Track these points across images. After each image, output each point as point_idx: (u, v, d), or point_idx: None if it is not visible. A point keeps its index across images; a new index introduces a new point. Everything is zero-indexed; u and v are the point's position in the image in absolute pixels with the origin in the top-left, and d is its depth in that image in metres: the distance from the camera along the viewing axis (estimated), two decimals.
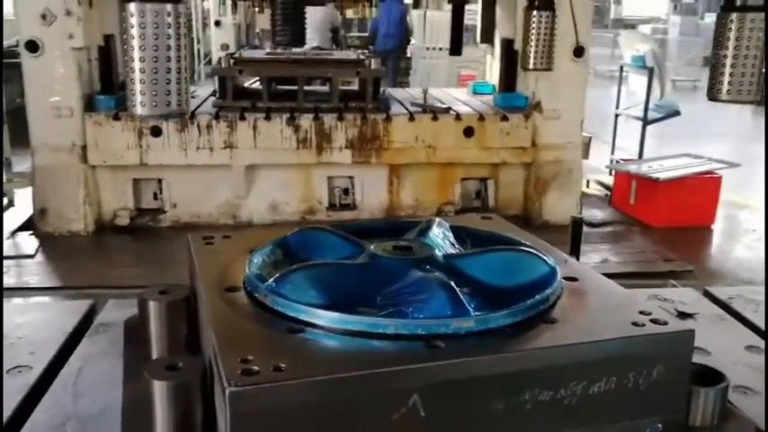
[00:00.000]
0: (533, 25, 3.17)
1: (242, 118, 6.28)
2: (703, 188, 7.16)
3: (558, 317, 1.16)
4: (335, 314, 1.08)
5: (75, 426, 1.30)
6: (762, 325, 2.08)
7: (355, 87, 7.37)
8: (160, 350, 1.26)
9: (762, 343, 1.96)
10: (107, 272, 5.58)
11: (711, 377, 1.21)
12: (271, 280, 1.20)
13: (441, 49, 12.98)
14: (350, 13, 12.81)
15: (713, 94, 1.62)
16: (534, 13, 3.34)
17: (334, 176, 6.67)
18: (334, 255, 1.30)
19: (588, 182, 8.13)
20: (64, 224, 6.24)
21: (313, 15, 12.05)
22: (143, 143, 6.17)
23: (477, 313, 1.10)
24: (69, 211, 6.23)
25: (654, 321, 1.14)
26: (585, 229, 7.04)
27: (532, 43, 3.15)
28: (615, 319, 1.15)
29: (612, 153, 8.47)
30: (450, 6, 13.57)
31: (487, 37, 7.98)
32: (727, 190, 7.36)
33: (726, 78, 1.55)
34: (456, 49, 3.69)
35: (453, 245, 1.41)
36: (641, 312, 1.17)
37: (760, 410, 1.69)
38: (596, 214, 7.34)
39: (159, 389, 1.03)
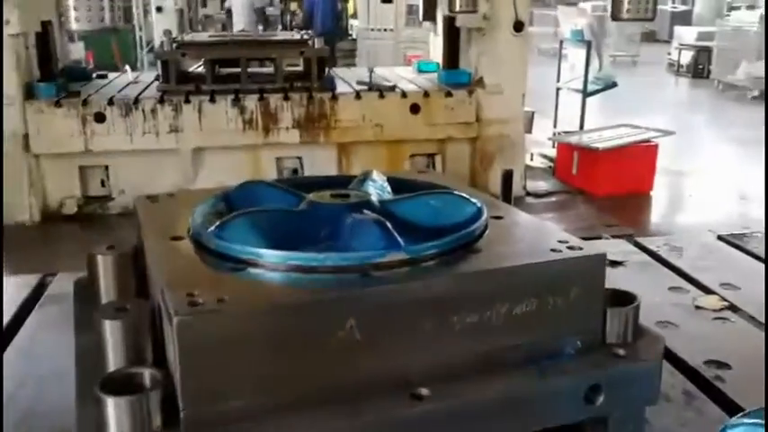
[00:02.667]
0: None
1: (186, 101, 6.25)
2: (641, 156, 7.40)
3: (483, 247, 1.24)
4: (274, 252, 1.15)
5: (32, 387, 1.35)
6: (685, 268, 2.23)
7: (300, 68, 7.37)
8: (110, 300, 1.31)
9: (685, 284, 2.10)
10: (55, 262, 5.49)
11: (624, 298, 1.32)
12: (213, 227, 1.26)
13: (385, 30, 13.06)
14: None
15: (615, 15, 1.73)
16: None
17: (283, 157, 6.70)
18: (274, 205, 1.36)
19: (532, 155, 8.31)
20: (8, 215, 6.13)
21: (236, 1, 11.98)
22: (87, 130, 6.10)
23: (407, 245, 1.17)
24: (13, 201, 6.13)
25: (570, 248, 1.23)
26: (530, 200, 7.26)
27: None
28: (535, 247, 1.24)
29: (555, 126, 8.67)
30: None
31: (430, 15, 8.06)
32: (663, 157, 7.62)
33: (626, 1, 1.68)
34: None
35: (389, 193, 1.49)
36: (559, 241, 1.26)
37: (679, 341, 1.83)
38: (540, 185, 7.53)
39: (110, 328, 1.08)
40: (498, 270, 1.14)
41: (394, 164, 6.90)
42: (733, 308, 2.06)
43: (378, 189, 1.49)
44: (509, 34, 6.79)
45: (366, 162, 6.82)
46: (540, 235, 1.29)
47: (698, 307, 2.07)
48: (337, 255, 1.15)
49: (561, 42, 9.05)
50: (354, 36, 13.89)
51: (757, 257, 2.47)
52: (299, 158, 6.72)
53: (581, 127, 8.23)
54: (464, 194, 1.43)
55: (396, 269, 1.14)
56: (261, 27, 10.28)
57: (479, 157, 7.04)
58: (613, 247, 2.58)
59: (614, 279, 2.30)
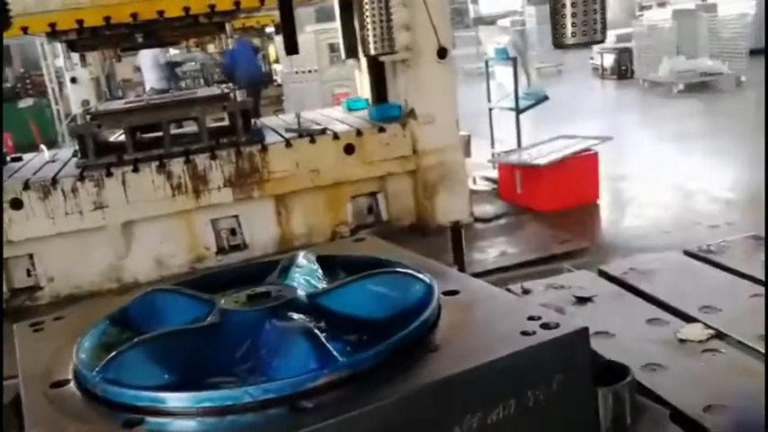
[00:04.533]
0: (366, 6, 2.73)
1: (108, 174, 5.92)
2: (583, 166, 7.34)
3: (440, 341, 1.02)
4: (179, 394, 0.90)
5: None
6: (659, 294, 2.05)
7: (225, 123, 7.14)
8: None
9: (664, 314, 1.92)
10: None
11: (615, 372, 1.10)
12: (101, 364, 1.01)
13: (310, 71, 12.92)
14: (211, 48, 12.56)
15: (558, 41, 1.55)
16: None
17: (218, 218, 6.40)
18: (180, 319, 1.12)
19: (474, 179, 8.20)
20: None
21: (143, 57, 11.66)
22: (4, 218, 5.71)
23: (345, 359, 0.94)
24: None
25: (544, 326, 1.01)
26: (479, 225, 7.11)
27: (369, 25, 2.74)
28: (503, 332, 1.02)
29: (492, 147, 8.59)
30: (312, 28, 13.55)
31: (352, 52, 7.93)
32: (604, 163, 7.59)
33: (569, 22, 1.50)
34: (291, 46, 3.24)
35: (321, 279, 1.25)
36: (530, 318, 1.04)
37: (672, 386, 1.64)
38: (487, 209, 7.39)
39: None
40: (462, 374, 0.92)
41: (334, 208, 6.68)
42: (719, 335, 1.89)
43: (306, 276, 1.25)
44: (434, 62, 6.68)
45: (306, 210, 6.59)
46: (505, 313, 1.07)
47: (682, 340, 1.89)
48: (258, 387, 0.90)
49: (486, 62, 9.03)
50: (279, 81, 13.71)
51: (730, 271, 2.32)
52: (236, 217, 6.44)
53: (519, 145, 8.16)
54: (408, 270, 1.20)
55: (333, 393, 0.90)
56: (172, 83, 10.01)
57: (422, 189, 6.88)
58: (578, 281, 2.40)
59: (585, 317, 2.12)
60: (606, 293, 2.16)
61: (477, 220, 7.12)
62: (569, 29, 1.45)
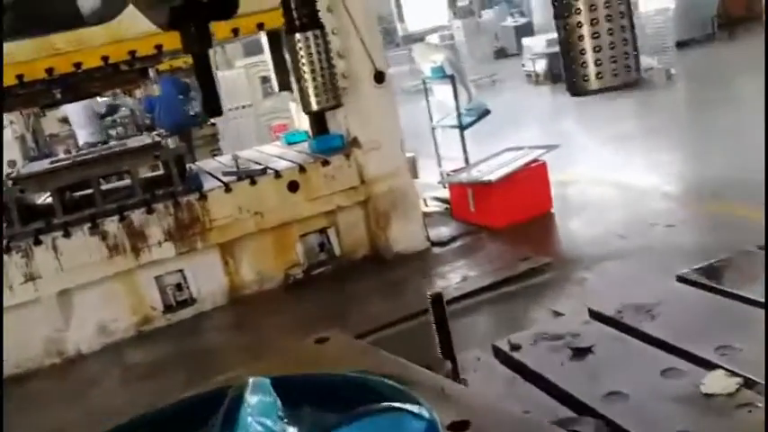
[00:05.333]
0: (302, 53, 2.34)
1: (37, 242, 5.48)
2: (534, 177, 7.19)
3: None
4: None
5: None
6: (665, 336, 1.82)
7: (160, 172, 6.75)
8: None
9: (677, 361, 1.69)
10: None
11: None
12: None
13: (243, 106, 12.60)
14: (138, 93, 12.09)
15: (577, 87, 1.30)
16: (298, 36, 2.46)
17: (162, 275, 6.00)
18: None
19: (425, 201, 7.98)
20: None
21: (72, 110, 11.12)
22: None
23: None
24: None
25: None
26: (437, 250, 6.86)
27: (307, 76, 2.35)
28: None
29: (440, 166, 8.39)
30: (242, 62, 13.21)
31: (285, 84, 7.65)
32: (552, 171, 7.46)
33: (591, 60, 1.25)
34: (213, 108, 2.84)
35: (283, 419, 0.95)
36: None
37: None
38: (443, 231, 7.17)
39: None
40: None
41: (284, 250, 6.36)
42: (747, 383, 1.66)
43: (261, 419, 0.95)
44: (372, 87, 6.45)
45: (254, 256, 6.25)
46: None
47: (708, 395, 1.65)
48: None
49: (424, 81, 8.85)
50: (212, 120, 13.31)
51: (735, 297, 2.10)
52: (181, 271, 6.05)
53: (466, 162, 7.97)
54: (404, 405, 0.90)
55: None
56: (104, 134, 9.55)
57: (375, 219, 6.62)
58: (569, 326, 2.14)
59: (589, 374, 1.86)
60: (605, 340, 1.91)
61: (433, 244, 6.88)
62: (592, 68, 1.21)
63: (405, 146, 6.93)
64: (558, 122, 12.41)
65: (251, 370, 1.15)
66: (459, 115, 7.96)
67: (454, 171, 7.89)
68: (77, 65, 5.57)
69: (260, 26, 6.27)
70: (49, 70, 5.55)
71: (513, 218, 6.98)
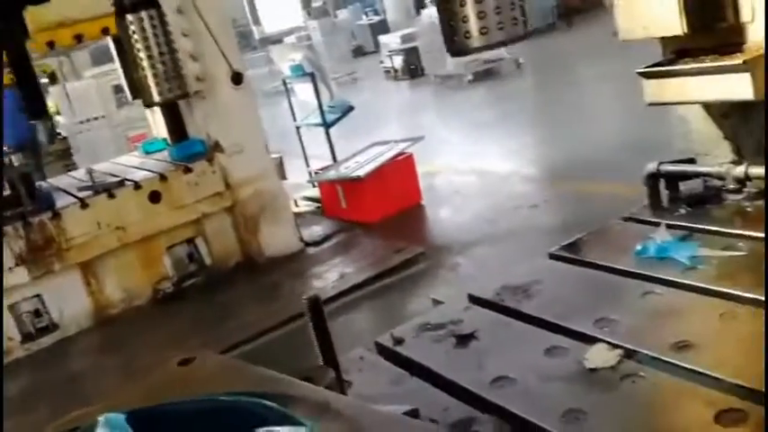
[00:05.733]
0: (136, 37, 1.93)
1: None
2: (401, 170, 7.24)
3: None
4: None
5: None
6: (546, 315, 1.82)
7: (7, 192, 6.22)
8: None
9: (560, 339, 1.68)
10: None
11: None
12: None
13: (96, 118, 11.91)
14: None
15: (459, 45, 1.23)
16: (130, 18, 2.15)
17: (17, 302, 5.54)
18: None
19: (296, 201, 7.85)
20: None
21: None
22: None
23: None
24: None
25: None
26: (311, 250, 6.76)
27: (145, 63, 1.97)
28: None
29: (308, 165, 8.28)
30: (91, 72, 12.48)
31: (137, 93, 7.26)
32: (419, 163, 7.55)
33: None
34: (36, 109, 2.55)
35: None
36: None
37: None
38: (315, 231, 7.07)
39: None
40: None
41: (151, 264, 6.05)
42: (629, 353, 1.68)
43: None
44: (230, 89, 6.24)
45: (119, 274, 5.90)
46: None
47: (592, 370, 1.65)
48: None
49: (284, 81, 8.70)
50: (64, 134, 12.49)
51: (606, 269, 2.14)
52: (38, 296, 5.61)
53: (334, 159, 7.91)
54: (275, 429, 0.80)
55: None
56: None
57: (244, 225, 6.42)
58: (450, 314, 2.11)
59: (474, 363, 1.83)
60: (487, 324, 1.89)
61: (307, 244, 6.77)
62: (474, 25, 1.13)
63: (270, 147, 6.78)
64: (420, 115, 12.63)
65: (109, 402, 1.02)
66: (322, 113, 7.89)
67: (322, 169, 7.81)
68: None
69: (105, 31, 5.92)
70: None
71: (384, 211, 7.00)
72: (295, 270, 6.28)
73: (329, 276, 5.98)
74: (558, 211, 6.59)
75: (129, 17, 2.03)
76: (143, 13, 2.04)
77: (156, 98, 2.20)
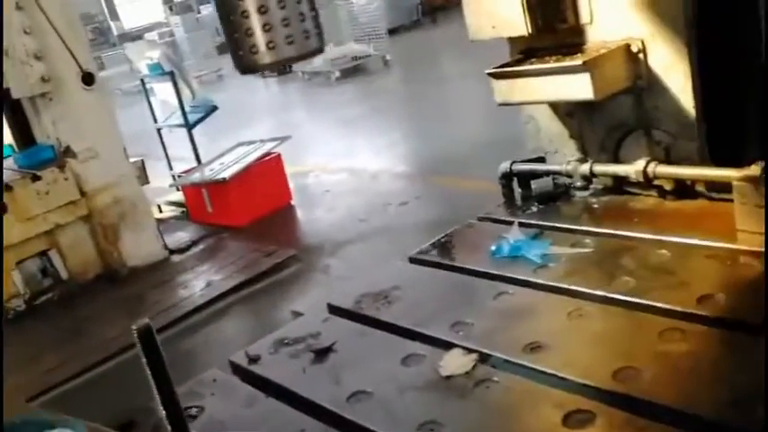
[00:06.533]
0: None
1: None
2: (269, 171, 7.09)
3: None
4: None
5: None
6: (403, 322, 1.79)
7: None
8: None
9: (417, 346, 1.66)
10: None
11: None
12: None
13: None
14: None
15: (247, 62, 1.15)
16: None
17: None
18: None
19: (159, 207, 7.53)
20: None
21: None
22: None
23: None
24: None
25: None
26: (176, 258, 6.49)
27: None
28: None
29: (171, 168, 7.96)
30: None
31: None
32: (288, 163, 7.44)
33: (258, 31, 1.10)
34: None
35: None
36: None
37: None
38: (181, 237, 6.80)
39: None
40: None
41: None
42: (482, 357, 1.69)
43: None
44: (81, 90, 5.87)
45: None
46: None
47: (448, 377, 1.64)
48: None
49: (142, 80, 8.31)
50: None
51: (463, 271, 2.16)
52: None
53: (198, 161, 7.64)
54: None
55: None
56: None
57: (102, 234, 6.06)
58: (309, 326, 2.03)
59: (332, 377, 1.76)
60: (347, 335, 1.84)
61: (172, 252, 6.50)
62: (261, 41, 1.05)
63: (129, 150, 6.45)
64: (288, 113, 12.49)
65: None
66: (184, 113, 7.59)
67: (186, 172, 7.53)
68: None
69: None
70: None
71: (253, 214, 6.83)
72: (159, 280, 6.00)
73: (196, 284, 5.75)
74: (428, 207, 6.68)
75: None
76: None
77: None
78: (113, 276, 6.09)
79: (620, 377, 1.40)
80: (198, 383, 1.71)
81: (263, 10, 1.01)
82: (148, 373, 1.14)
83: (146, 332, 1.11)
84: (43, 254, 5.94)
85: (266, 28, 1.05)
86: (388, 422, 1.37)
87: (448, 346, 1.65)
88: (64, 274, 6.00)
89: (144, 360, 1.14)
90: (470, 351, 1.60)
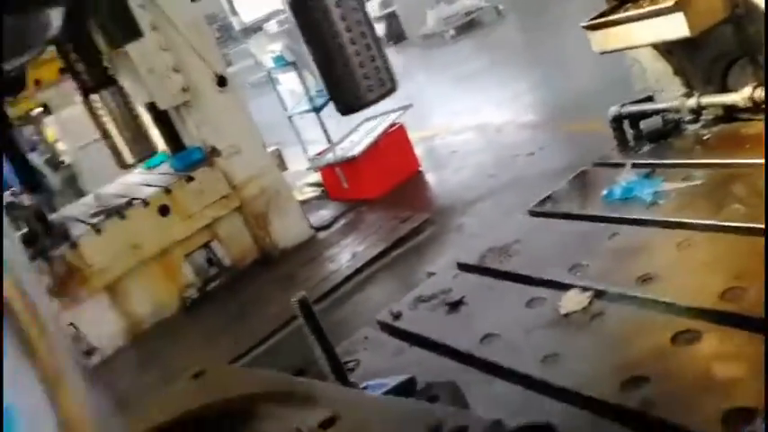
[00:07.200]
0: (101, 112, 2.19)
1: None
2: (395, 142, 7.37)
3: None
4: None
5: None
6: (524, 270, 1.99)
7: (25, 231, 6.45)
8: None
9: (539, 291, 1.85)
10: None
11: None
12: None
13: (95, 140, 12.10)
14: None
15: (355, 102, 1.39)
16: (93, 97, 2.15)
17: None
18: None
19: (301, 189, 8.03)
20: None
21: None
22: None
23: None
24: None
25: None
26: (322, 235, 6.94)
27: (114, 132, 2.24)
28: None
29: (306, 152, 8.43)
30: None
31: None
32: (412, 130, 7.67)
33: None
34: (30, 184, 2.70)
35: None
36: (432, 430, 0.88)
37: (578, 371, 1.55)
38: (323, 215, 7.26)
39: None
40: None
41: (172, 275, 6.28)
42: (598, 293, 1.84)
43: None
44: (216, 93, 6.39)
45: (143, 290, 6.14)
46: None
47: (566, 315, 1.82)
48: None
49: (269, 73, 8.82)
50: (68, 161, 12.71)
51: (579, 217, 2.30)
52: (72, 324, 5.84)
53: (329, 142, 8.05)
54: None
55: None
56: None
57: (254, 222, 6.61)
58: (442, 283, 2.26)
59: (465, 325, 2.00)
60: (475, 289, 2.07)
61: (317, 229, 6.96)
62: (363, 85, 1.29)
63: (266, 141, 6.93)
64: (408, 78, 12.67)
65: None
66: (310, 99, 8.01)
67: (320, 154, 7.97)
68: None
69: None
70: None
71: (385, 185, 7.16)
72: (309, 257, 6.48)
73: (342, 257, 6.17)
74: (554, 155, 6.71)
75: (92, 96, 2.23)
76: (105, 93, 2.23)
77: (130, 160, 2.41)
78: (267, 259, 6.63)
79: (727, 297, 1.52)
80: (352, 343, 2.00)
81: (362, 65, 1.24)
82: (309, 336, 1.41)
83: (303, 303, 1.38)
84: (206, 246, 6.57)
85: (366, 77, 1.28)
86: (516, 358, 1.57)
87: (566, 287, 1.83)
88: (227, 262, 6.61)
89: (304, 326, 1.41)
90: (586, 289, 1.77)
